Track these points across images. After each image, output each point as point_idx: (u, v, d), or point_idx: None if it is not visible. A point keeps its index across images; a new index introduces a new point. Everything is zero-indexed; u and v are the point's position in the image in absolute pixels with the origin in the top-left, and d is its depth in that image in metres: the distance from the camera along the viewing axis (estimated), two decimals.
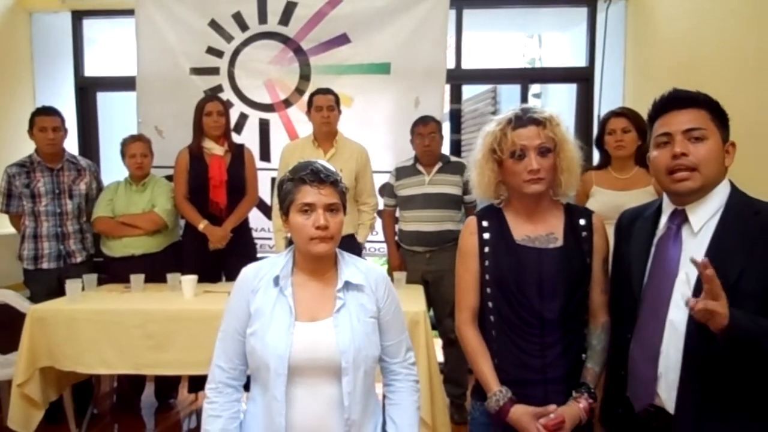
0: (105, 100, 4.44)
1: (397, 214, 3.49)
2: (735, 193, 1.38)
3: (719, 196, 1.37)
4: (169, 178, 3.51)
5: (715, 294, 1.19)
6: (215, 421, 1.51)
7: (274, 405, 1.44)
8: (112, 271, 3.37)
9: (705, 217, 1.37)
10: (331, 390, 1.46)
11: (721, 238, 1.33)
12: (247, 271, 1.57)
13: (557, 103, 4.68)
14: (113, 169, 3.77)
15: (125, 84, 4.12)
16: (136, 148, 3.36)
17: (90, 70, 4.40)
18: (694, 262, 1.22)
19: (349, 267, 1.56)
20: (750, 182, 1.46)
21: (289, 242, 1.59)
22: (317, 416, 1.46)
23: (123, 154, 3.40)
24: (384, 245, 3.78)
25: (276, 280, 1.51)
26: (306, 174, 1.47)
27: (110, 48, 4.75)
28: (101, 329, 2.68)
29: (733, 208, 1.35)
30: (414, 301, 2.72)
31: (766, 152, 2.32)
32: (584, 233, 1.58)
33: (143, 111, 4.01)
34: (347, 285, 1.52)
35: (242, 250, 3.45)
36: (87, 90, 4.36)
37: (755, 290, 1.27)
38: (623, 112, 2.85)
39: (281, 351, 1.43)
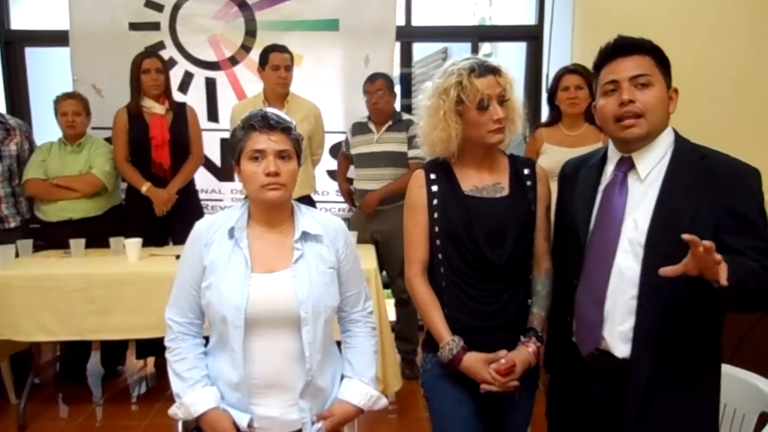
0: (36, 55, 4.18)
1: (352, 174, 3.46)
2: (679, 140, 1.41)
3: (664, 142, 1.39)
4: (109, 140, 3.36)
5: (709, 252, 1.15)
6: (182, 362, 1.50)
7: (233, 357, 1.44)
8: (49, 237, 3.22)
9: (652, 164, 1.39)
10: (290, 341, 1.46)
11: (672, 184, 1.35)
12: (200, 225, 1.54)
13: (507, 61, 4.69)
14: (47, 129, 3.55)
15: (57, 39, 3.87)
16: (68, 106, 3.19)
17: (17, 23, 4.12)
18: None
19: (307, 218, 1.54)
20: (692, 130, 1.48)
21: None
22: (277, 367, 1.47)
23: (56, 112, 3.22)
24: (335, 206, 3.84)
25: (231, 232, 1.49)
26: (256, 121, 1.44)
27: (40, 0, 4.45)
28: (39, 295, 2.58)
29: (680, 155, 1.37)
30: (365, 259, 2.70)
31: (708, 103, 2.39)
32: (528, 182, 1.60)
33: (78, 68, 3.79)
34: (305, 235, 1.51)
35: (189, 212, 3.33)
36: (14, 45, 4.08)
37: (705, 233, 1.29)
38: (577, 69, 2.86)
39: (237, 303, 1.42)
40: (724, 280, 1.14)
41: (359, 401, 1.55)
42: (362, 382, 1.57)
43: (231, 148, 1.50)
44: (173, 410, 1.50)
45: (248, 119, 1.46)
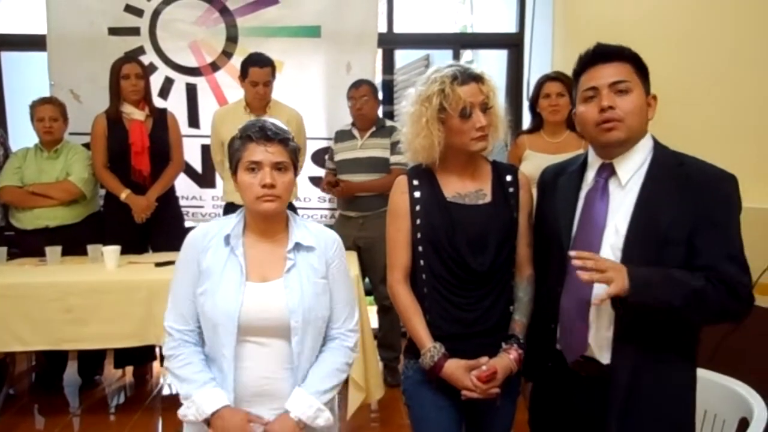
0: (13, 60, 4.11)
1: None
2: (658, 146, 1.42)
3: (644, 148, 1.41)
4: (87, 146, 3.31)
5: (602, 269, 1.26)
6: (188, 366, 1.47)
7: (224, 364, 1.45)
8: (25, 245, 3.17)
9: (632, 170, 1.40)
10: (280, 349, 1.46)
11: (650, 189, 1.36)
12: (195, 233, 1.54)
13: (488, 69, 4.71)
14: (23, 135, 3.50)
15: (35, 43, 3.82)
16: (45, 111, 3.14)
17: None
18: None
19: (301, 229, 1.54)
20: (670, 136, 1.50)
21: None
22: (267, 375, 1.47)
23: (32, 118, 3.17)
24: (317, 212, 3.86)
25: (227, 240, 1.49)
26: (254, 131, 1.44)
27: (17, 3, 4.38)
28: (13, 304, 2.53)
29: (658, 161, 1.39)
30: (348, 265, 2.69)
31: (686, 109, 2.43)
32: (511, 189, 1.60)
33: (56, 73, 3.74)
34: (297, 246, 1.51)
35: (169, 219, 3.32)
36: None
37: (682, 238, 1.31)
38: (558, 77, 2.89)
39: (231, 310, 1.43)
40: (596, 299, 1.28)
41: (299, 412, 1.45)
42: (307, 392, 1.47)
43: (229, 156, 1.50)
44: (183, 411, 1.46)
45: (246, 129, 1.47)
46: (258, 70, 3.10)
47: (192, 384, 1.45)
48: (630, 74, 1.38)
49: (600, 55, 1.40)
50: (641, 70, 1.41)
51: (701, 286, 1.28)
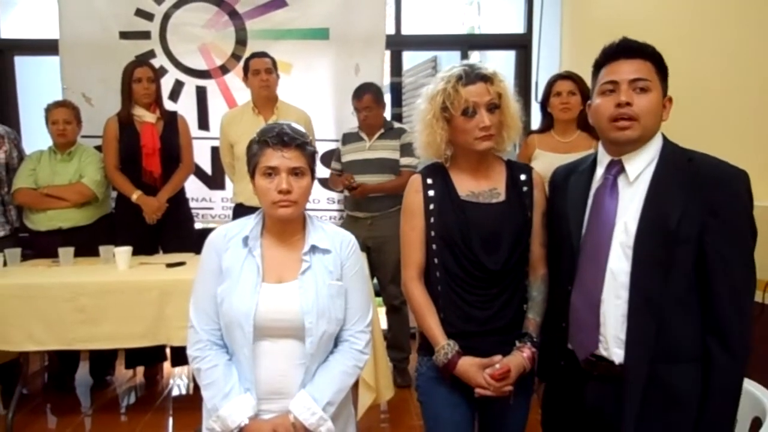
0: (26, 64, 4.17)
1: None
2: (667, 144, 1.42)
3: (654, 146, 1.40)
4: (99, 148, 3.34)
5: None
6: (213, 370, 1.48)
7: (242, 362, 1.47)
8: (38, 246, 3.19)
9: (641, 167, 1.39)
10: (294, 349, 1.48)
11: (659, 186, 1.36)
12: (216, 233, 1.56)
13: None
14: (37, 139, 3.55)
15: (47, 47, 3.86)
16: (59, 114, 3.17)
17: (7, 32, 4.11)
18: None
19: (318, 231, 1.56)
20: (681, 134, 1.50)
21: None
22: (281, 374, 1.48)
23: (47, 120, 3.21)
24: (326, 213, 3.87)
25: (245, 241, 1.51)
26: (270, 137, 1.45)
27: (30, 9, 4.44)
28: (27, 304, 2.55)
29: (667, 157, 1.39)
30: None
31: (696, 108, 2.42)
32: (525, 188, 1.61)
33: (68, 77, 3.78)
34: (313, 248, 1.52)
35: (179, 220, 3.35)
36: (4, 53, 4.07)
37: (691, 235, 1.31)
38: (569, 75, 2.89)
39: (247, 310, 1.44)
40: None
41: (302, 416, 1.45)
42: (311, 398, 1.47)
43: (248, 161, 1.52)
44: (210, 425, 1.47)
45: (263, 134, 1.47)
46: (257, 60, 3.21)
47: (218, 393, 1.46)
48: (651, 73, 1.37)
49: (624, 49, 1.40)
50: (662, 70, 1.40)
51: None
